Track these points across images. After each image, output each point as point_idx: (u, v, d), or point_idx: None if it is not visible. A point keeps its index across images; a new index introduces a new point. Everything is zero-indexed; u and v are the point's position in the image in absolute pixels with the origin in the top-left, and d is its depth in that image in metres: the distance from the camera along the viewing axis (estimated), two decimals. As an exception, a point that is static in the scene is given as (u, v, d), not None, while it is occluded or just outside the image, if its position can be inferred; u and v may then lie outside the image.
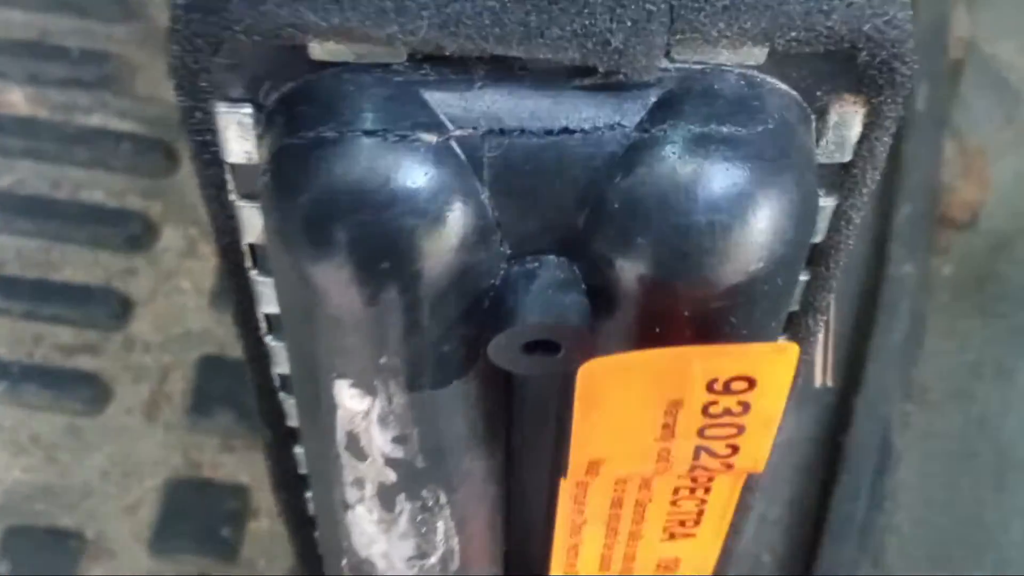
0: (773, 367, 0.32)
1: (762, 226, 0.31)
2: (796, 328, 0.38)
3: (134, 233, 0.76)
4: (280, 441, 0.44)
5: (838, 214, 0.35)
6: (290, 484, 0.45)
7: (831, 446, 0.71)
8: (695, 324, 0.32)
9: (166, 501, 0.70)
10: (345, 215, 0.31)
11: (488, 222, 0.32)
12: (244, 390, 0.72)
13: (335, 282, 0.32)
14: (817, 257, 0.36)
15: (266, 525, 0.70)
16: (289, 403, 0.42)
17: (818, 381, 0.69)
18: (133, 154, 0.77)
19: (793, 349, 0.32)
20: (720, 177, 0.31)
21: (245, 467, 0.71)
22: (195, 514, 0.70)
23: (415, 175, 0.31)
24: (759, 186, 0.31)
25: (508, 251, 0.33)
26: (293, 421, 0.43)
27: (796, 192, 0.31)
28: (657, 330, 0.33)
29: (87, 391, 0.72)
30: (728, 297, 0.32)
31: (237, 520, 0.69)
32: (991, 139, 0.80)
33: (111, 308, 0.74)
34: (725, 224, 0.31)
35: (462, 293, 0.32)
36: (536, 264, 0.33)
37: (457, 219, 0.31)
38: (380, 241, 0.31)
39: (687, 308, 0.32)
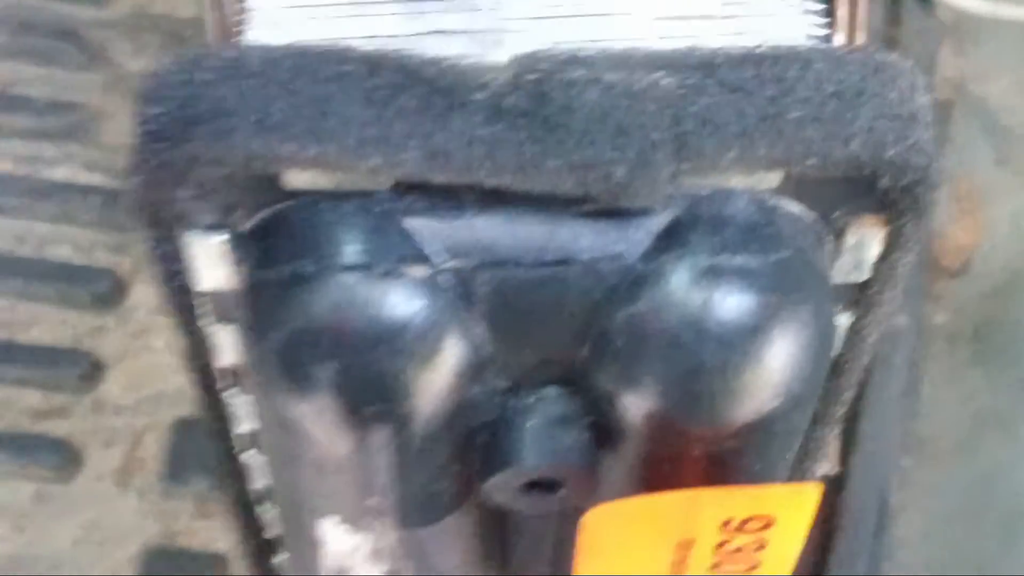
0: (792, 508, 0.30)
1: (778, 364, 0.29)
2: (808, 440, 0.35)
3: (103, 290, 0.73)
4: (259, 553, 0.41)
5: (854, 330, 0.33)
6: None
7: (828, 505, 0.68)
8: (705, 462, 0.30)
9: (141, 571, 0.67)
10: (328, 356, 0.28)
11: (482, 358, 0.29)
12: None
13: (318, 425, 0.29)
14: (830, 372, 0.34)
15: (244, 595, 0.67)
16: (270, 514, 0.39)
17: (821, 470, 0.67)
18: (101, 207, 0.75)
19: (813, 491, 0.30)
20: (732, 313, 0.28)
21: (221, 534, 0.69)
22: (171, 585, 0.67)
23: (403, 312, 0.28)
24: (774, 322, 0.28)
25: (505, 384, 0.30)
26: (272, 532, 0.41)
27: (814, 326, 0.29)
28: (667, 468, 0.30)
29: (56, 457, 0.70)
30: (741, 436, 0.30)
31: (215, 590, 0.67)
32: (983, 182, 0.78)
33: (80, 369, 0.71)
34: (738, 363, 0.28)
35: (455, 432, 0.30)
36: (534, 398, 0.30)
37: (449, 357, 0.29)
38: (366, 383, 0.29)
39: (697, 447, 0.30)
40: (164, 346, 0.72)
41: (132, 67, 0.78)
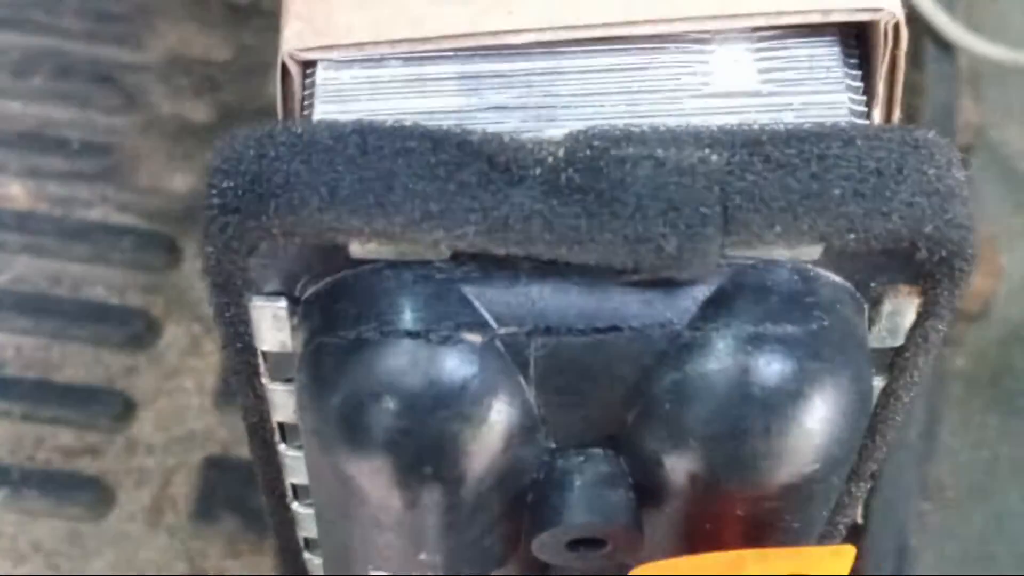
0: (830, 568, 0.31)
1: (818, 428, 0.30)
2: (841, 496, 0.36)
3: (136, 331, 0.74)
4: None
5: (887, 392, 0.34)
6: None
7: (848, 549, 0.69)
8: (748, 522, 0.31)
9: (171, 609, 0.68)
10: (387, 418, 0.30)
11: (533, 420, 0.31)
12: (249, 493, 0.71)
13: (374, 484, 0.31)
14: (865, 432, 0.35)
15: (273, 634, 0.68)
16: (315, 563, 0.41)
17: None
18: (134, 249, 0.76)
19: (849, 552, 0.31)
20: (775, 379, 0.29)
21: (250, 572, 0.70)
22: (201, 623, 0.68)
23: (460, 377, 0.29)
24: (815, 387, 0.30)
25: (552, 445, 0.32)
26: (316, 571, 0.42)
27: (853, 391, 0.30)
28: (708, 527, 0.31)
29: (89, 495, 0.71)
30: (782, 497, 0.31)
31: (244, 629, 0.68)
32: (1002, 226, 0.79)
33: (113, 409, 0.72)
34: (780, 427, 0.30)
35: (505, 490, 0.31)
36: (581, 458, 0.32)
37: (502, 420, 0.30)
38: (423, 445, 0.30)
39: (739, 508, 0.31)
40: (195, 387, 0.74)
41: (167, 110, 0.79)
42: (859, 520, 0.68)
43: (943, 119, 0.82)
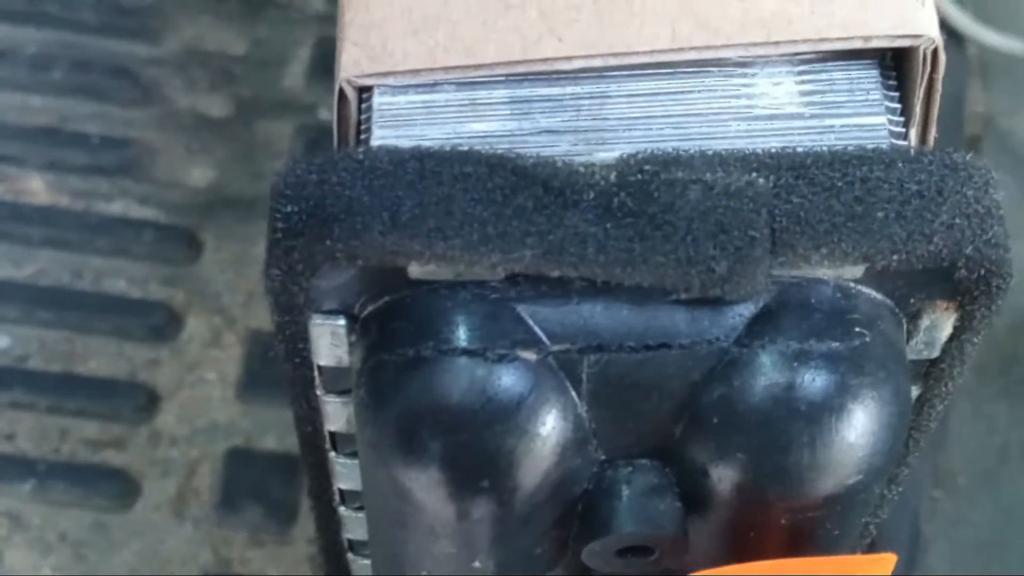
0: (870, 574, 0.32)
1: (861, 441, 0.31)
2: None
3: (158, 323, 0.75)
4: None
5: (922, 401, 0.35)
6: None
7: (861, 536, 0.71)
8: (790, 530, 0.32)
9: (196, 599, 0.69)
10: (445, 433, 0.31)
11: (585, 434, 0.32)
12: (272, 484, 0.72)
13: (431, 496, 0.32)
14: (899, 439, 0.36)
15: (298, 622, 0.69)
16: (358, 564, 0.42)
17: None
18: (155, 242, 0.77)
19: (890, 559, 0.32)
20: (819, 393, 0.31)
21: (274, 562, 0.71)
22: (226, 613, 0.69)
23: (515, 393, 0.30)
24: (858, 401, 0.31)
25: (602, 456, 0.33)
26: (358, 571, 0.43)
27: (894, 404, 0.31)
28: (751, 535, 0.33)
29: (114, 487, 0.72)
30: (824, 507, 0.32)
31: (269, 617, 0.69)
32: (1010, 216, 0.80)
33: (136, 401, 0.73)
34: (823, 440, 0.31)
35: (557, 501, 0.32)
36: (630, 469, 0.33)
37: (555, 435, 0.31)
38: (479, 459, 0.31)
39: (783, 517, 0.32)
40: (217, 379, 0.74)
41: (183, 104, 0.80)
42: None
43: (952, 109, 0.82)
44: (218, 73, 0.81)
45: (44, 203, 0.78)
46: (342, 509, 0.39)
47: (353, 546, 0.41)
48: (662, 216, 0.30)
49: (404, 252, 0.29)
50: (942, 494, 0.73)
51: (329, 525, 0.40)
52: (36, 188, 0.78)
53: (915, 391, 0.34)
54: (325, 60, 0.84)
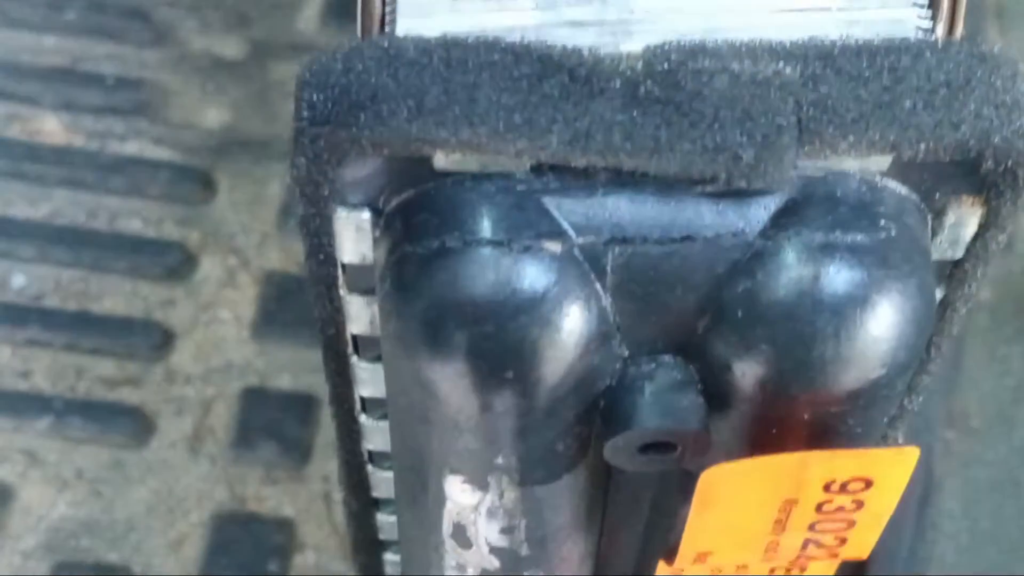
0: (892, 469, 0.32)
1: (886, 334, 0.31)
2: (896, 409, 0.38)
3: (172, 263, 0.75)
4: (364, 510, 0.44)
5: (944, 304, 0.35)
6: (370, 549, 0.45)
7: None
8: (812, 426, 0.32)
9: (211, 536, 0.70)
10: (469, 325, 0.31)
11: (609, 327, 0.32)
12: (286, 422, 0.72)
13: (456, 388, 0.32)
14: (921, 343, 0.36)
15: (312, 559, 0.70)
16: (377, 476, 0.42)
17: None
18: (169, 182, 0.77)
19: (913, 453, 0.32)
20: (844, 286, 0.30)
21: (289, 500, 0.71)
22: (241, 549, 0.69)
23: (540, 285, 0.30)
24: (883, 294, 0.31)
25: (625, 352, 0.33)
26: (378, 492, 0.43)
27: (919, 298, 0.31)
28: (773, 431, 0.33)
29: (130, 424, 0.72)
30: (847, 402, 0.32)
31: (283, 554, 0.69)
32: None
33: (152, 340, 0.74)
34: (848, 333, 0.31)
35: (580, 396, 0.32)
36: (653, 365, 0.33)
37: (579, 327, 0.31)
38: (503, 350, 0.31)
39: (805, 412, 0.32)
40: (232, 318, 0.75)
41: (198, 45, 0.80)
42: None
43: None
44: (232, 15, 0.82)
45: (59, 143, 0.78)
46: (363, 418, 0.39)
47: (373, 457, 0.41)
48: (689, 104, 0.29)
49: (430, 140, 0.29)
50: (955, 435, 0.73)
51: (350, 435, 0.40)
52: (51, 128, 0.78)
53: (938, 294, 0.34)
54: (339, 2, 0.84)
